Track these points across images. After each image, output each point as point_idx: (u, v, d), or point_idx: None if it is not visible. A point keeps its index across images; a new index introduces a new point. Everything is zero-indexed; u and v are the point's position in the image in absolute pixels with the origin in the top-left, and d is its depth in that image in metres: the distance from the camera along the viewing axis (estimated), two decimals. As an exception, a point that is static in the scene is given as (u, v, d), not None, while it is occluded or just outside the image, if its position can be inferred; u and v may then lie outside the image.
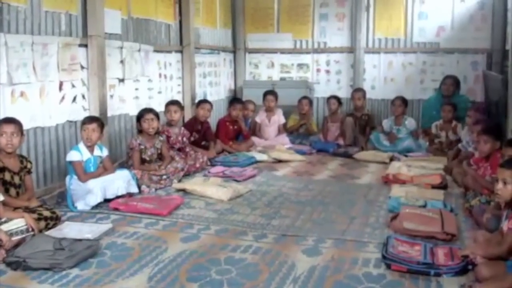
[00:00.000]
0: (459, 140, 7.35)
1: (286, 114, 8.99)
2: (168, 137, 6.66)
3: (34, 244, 3.82)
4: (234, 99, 8.70)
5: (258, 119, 8.84)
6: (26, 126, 4.83)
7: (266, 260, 3.86)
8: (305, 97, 8.98)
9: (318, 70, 10.04)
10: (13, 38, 4.94)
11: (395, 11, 9.42)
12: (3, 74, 4.83)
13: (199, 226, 4.62)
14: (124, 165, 6.11)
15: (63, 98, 5.60)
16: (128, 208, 5.01)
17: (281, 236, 4.37)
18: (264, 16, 10.23)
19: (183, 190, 5.72)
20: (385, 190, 5.80)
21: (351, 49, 9.70)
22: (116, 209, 5.04)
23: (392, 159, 7.41)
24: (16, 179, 4.55)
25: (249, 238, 4.33)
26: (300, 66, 10.14)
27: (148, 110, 6.24)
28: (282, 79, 10.19)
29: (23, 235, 4.04)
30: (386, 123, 8.40)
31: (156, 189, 5.77)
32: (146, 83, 7.17)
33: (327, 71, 9.99)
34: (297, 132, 8.93)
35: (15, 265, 3.66)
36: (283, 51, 10.18)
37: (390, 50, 9.52)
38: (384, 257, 3.75)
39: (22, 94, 5.07)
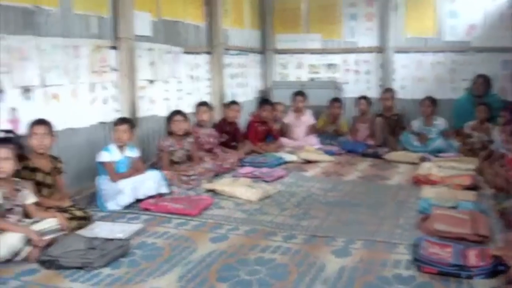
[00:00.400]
0: (491, 141, 7.24)
1: (316, 115, 8.96)
2: (197, 138, 6.71)
3: (66, 243, 3.89)
4: (264, 100, 8.71)
5: (287, 120, 8.83)
6: (58, 127, 4.91)
7: (295, 260, 3.86)
8: (336, 100, 8.94)
9: (347, 70, 9.99)
10: (45, 40, 5.03)
11: (425, 10, 9.31)
12: (36, 76, 4.92)
13: (228, 227, 4.64)
14: (154, 165, 6.16)
15: (94, 99, 5.68)
16: (159, 208, 5.06)
17: (311, 236, 4.36)
18: (292, 17, 10.21)
19: (213, 191, 5.75)
20: (415, 191, 5.73)
21: (380, 49, 9.63)
22: (146, 209, 5.09)
23: (422, 159, 7.33)
24: (48, 180, 4.63)
25: (278, 238, 4.33)
26: (329, 66, 10.10)
27: (177, 112, 6.30)
28: (311, 79, 10.17)
29: (56, 235, 4.10)
30: (416, 124, 8.31)
31: (186, 190, 5.81)
32: (175, 85, 7.23)
33: (356, 71, 9.93)
34: (327, 132, 8.89)
35: (48, 264, 3.73)
36: (312, 52, 10.15)
37: (419, 49, 9.42)
38: (415, 259, 3.72)
39: (54, 96, 5.16)
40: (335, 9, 9.92)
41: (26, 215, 4.18)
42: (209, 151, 6.87)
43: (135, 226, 4.59)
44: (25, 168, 4.39)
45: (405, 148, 8.04)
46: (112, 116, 5.84)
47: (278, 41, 10.36)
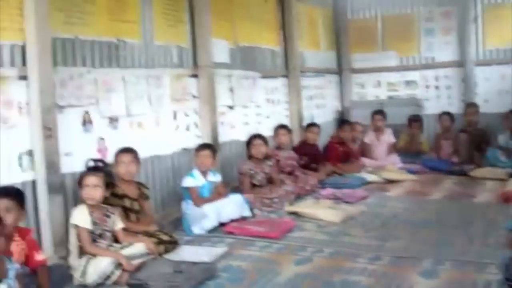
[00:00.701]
0: None
1: (396, 133, 8.81)
2: (277, 161, 6.74)
3: (154, 267, 4.00)
4: (342, 121, 8.67)
5: (367, 139, 8.73)
6: (143, 154, 5.09)
7: (382, 283, 3.79)
8: (415, 117, 8.79)
9: (427, 86, 9.78)
10: (129, 72, 5.27)
11: (506, 20, 8.98)
12: (122, 107, 5.14)
13: (312, 249, 4.61)
14: (236, 189, 6.24)
15: (177, 127, 5.86)
16: (242, 232, 5.11)
17: (396, 258, 4.27)
18: (368, 36, 10.14)
19: (295, 213, 5.75)
20: (504, 209, 5.51)
21: (460, 63, 9.37)
22: (230, 232, 5.15)
23: (510, 175, 7.04)
24: (135, 205, 4.79)
25: (363, 260, 4.26)
26: (407, 83, 9.93)
27: (257, 136, 6.37)
28: (389, 97, 10.02)
29: (144, 259, 4.21)
30: (502, 138, 8.01)
31: (268, 213, 5.84)
32: (254, 109, 7.33)
33: (437, 87, 9.70)
34: (408, 151, 8.71)
35: (136, 287, 3.84)
36: (389, 69, 10.02)
37: (502, 61, 9.09)
38: (506, 278, 3.56)
39: (139, 124, 5.36)
40: (411, 24, 9.78)
41: (116, 240, 4.33)
42: (290, 173, 6.89)
43: (219, 250, 4.65)
44: (113, 195, 4.55)
45: (491, 164, 7.74)
46: (194, 142, 5.99)
47: (354, 61, 10.31)
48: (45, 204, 4.31)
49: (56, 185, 4.36)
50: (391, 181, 7.30)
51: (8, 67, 4.19)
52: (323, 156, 7.88)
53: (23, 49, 4.26)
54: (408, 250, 4.44)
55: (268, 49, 7.86)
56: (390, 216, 5.58)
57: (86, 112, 4.79)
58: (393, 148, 8.67)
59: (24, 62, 4.26)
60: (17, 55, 4.25)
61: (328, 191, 6.64)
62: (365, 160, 8.40)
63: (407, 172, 7.69)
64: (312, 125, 7.79)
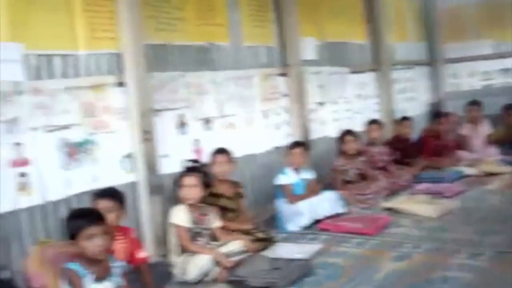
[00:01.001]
0: None
1: (492, 124, 8.45)
2: (369, 156, 6.66)
3: (252, 264, 4.07)
4: (436, 113, 8.43)
5: (462, 131, 8.44)
6: (237, 154, 5.20)
7: (483, 279, 3.66)
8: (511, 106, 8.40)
9: (524, 74, 9.33)
10: (219, 74, 5.41)
11: None
12: (214, 108, 5.27)
13: (409, 245, 4.53)
14: (328, 186, 6.23)
15: (267, 125, 5.93)
16: (337, 228, 5.10)
17: (499, 253, 4.11)
18: (460, 24, 9.78)
19: (390, 209, 5.66)
20: None
21: (563, 47, 8.88)
22: (325, 229, 5.15)
23: None
24: (231, 204, 4.89)
25: (463, 256, 4.13)
26: (503, 71, 9.51)
27: (348, 132, 6.34)
28: (484, 87, 9.64)
29: (241, 256, 4.29)
30: None
31: (362, 209, 5.79)
32: (344, 105, 7.29)
33: (536, 74, 9.24)
34: (505, 142, 8.33)
35: (236, 284, 3.92)
36: (484, 58, 9.62)
37: None
38: None
39: (231, 125, 5.48)
40: (506, 10, 9.34)
41: (213, 238, 4.44)
42: (383, 169, 6.79)
43: (315, 246, 4.67)
44: (210, 194, 4.67)
45: None
46: (286, 140, 6.03)
47: (446, 51, 9.98)
48: (145, 205, 4.52)
49: (156, 186, 4.55)
50: (489, 174, 7.01)
51: (106, 75, 4.41)
52: (417, 150, 7.69)
53: (118, 57, 4.48)
54: (510, 245, 4.26)
55: (356, 43, 7.78)
56: (490, 210, 5.37)
57: (181, 115, 4.95)
58: (491, 140, 8.32)
59: (120, 70, 4.47)
60: (113, 63, 4.48)
61: (424, 185, 6.48)
62: (462, 153, 8.12)
63: (506, 164, 7.37)
64: (404, 119, 7.64)
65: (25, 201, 3.82)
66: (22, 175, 3.80)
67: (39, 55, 3.99)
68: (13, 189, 3.75)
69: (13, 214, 3.76)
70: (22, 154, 3.81)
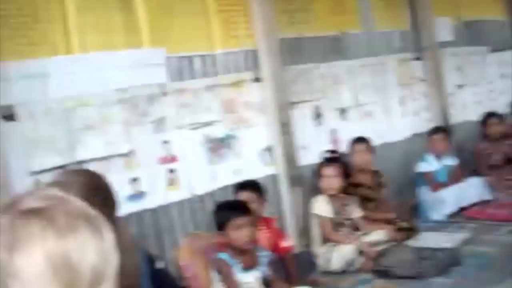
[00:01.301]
0: None
1: None
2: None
3: (397, 254, 4.03)
4: None
5: None
6: (375, 142, 5.13)
7: None
8: None
9: None
10: (354, 63, 5.36)
11: None
12: (349, 97, 5.24)
13: None
14: (473, 172, 5.96)
15: (405, 112, 5.78)
16: (485, 216, 4.89)
17: None
18: None
19: (542, 194, 5.32)
20: None
21: None
22: (472, 217, 4.96)
23: None
24: (372, 194, 4.84)
25: None
26: None
27: (491, 114, 6.06)
28: None
29: (385, 246, 4.25)
30: None
31: (511, 195, 5.48)
32: (486, 86, 6.91)
33: None
34: None
35: (381, 274, 3.89)
36: None
37: None
38: None
39: (367, 113, 5.41)
40: None
41: (355, 228, 4.43)
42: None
43: (462, 235, 4.51)
44: (350, 184, 4.66)
45: None
46: (425, 126, 5.84)
47: None
48: (286, 196, 4.60)
49: (296, 178, 4.61)
50: None
51: (243, 72, 4.54)
52: None
53: (254, 53, 4.59)
54: None
55: (495, 20, 7.33)
56: None
57: (317, 106, 4.98)
58: None
59: (256, 65, 4.58)
60: (249, 59, 4.59)
61: None
62: None
63: None
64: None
65: (174, 196, 4.03)
66: (171, 171, 4.03)
67: (180, 57, 4.19)
68: (163, 185, 3.99)
69: (164, 208, 3.99)
70: (170, 151, 4.03)
